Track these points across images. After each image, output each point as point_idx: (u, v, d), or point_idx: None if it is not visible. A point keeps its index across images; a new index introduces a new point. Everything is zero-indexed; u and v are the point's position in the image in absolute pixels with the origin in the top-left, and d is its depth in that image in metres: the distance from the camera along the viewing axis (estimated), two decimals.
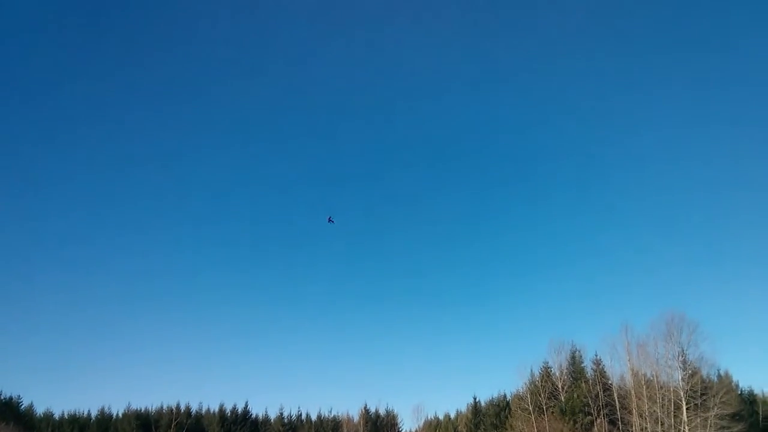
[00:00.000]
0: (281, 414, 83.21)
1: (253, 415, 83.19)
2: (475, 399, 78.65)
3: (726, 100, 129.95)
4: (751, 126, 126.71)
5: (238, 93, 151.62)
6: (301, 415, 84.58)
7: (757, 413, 64.01)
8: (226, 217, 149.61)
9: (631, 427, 55.77)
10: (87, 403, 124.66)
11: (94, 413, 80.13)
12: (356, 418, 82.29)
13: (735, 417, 52.10)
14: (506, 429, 65.27)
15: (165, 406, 79.79)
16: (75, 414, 79.73)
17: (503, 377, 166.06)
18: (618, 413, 57.22)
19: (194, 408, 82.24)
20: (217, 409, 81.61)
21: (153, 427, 72.72)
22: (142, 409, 79.73)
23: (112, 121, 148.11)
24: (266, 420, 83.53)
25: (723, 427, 51.29)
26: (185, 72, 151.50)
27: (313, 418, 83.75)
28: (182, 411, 78.60)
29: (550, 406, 61.28)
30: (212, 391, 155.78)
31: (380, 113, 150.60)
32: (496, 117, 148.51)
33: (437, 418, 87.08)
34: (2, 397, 73.11)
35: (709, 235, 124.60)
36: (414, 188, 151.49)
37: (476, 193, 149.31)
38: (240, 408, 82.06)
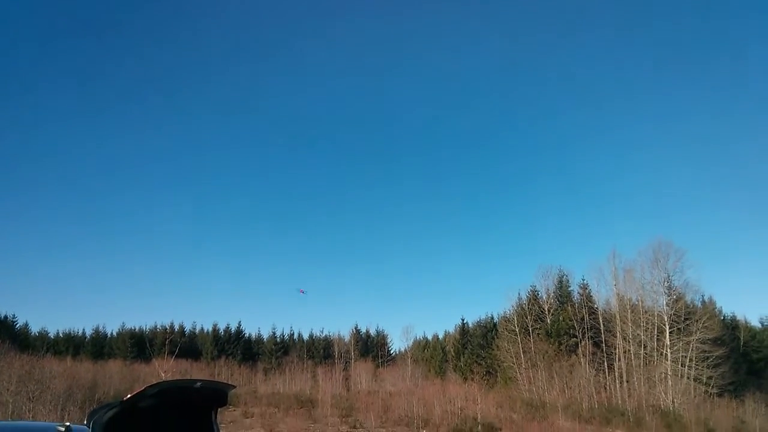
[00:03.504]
0: (274, 334, 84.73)
1: (246, 335, 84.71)
2: (463, 320, 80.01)
3: None
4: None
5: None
6: (293, 334, 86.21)
7: (739, 338, 65.17)
8: (226, 143, 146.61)
9: (615, 349, 56.74)
10: (81, 323, 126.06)
11: (89, 332, 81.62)
12: (347, 338, 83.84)
13: (717, 341, 52.93)
14: (492, 349, 66.38)
15: (159, 326, 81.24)
16: (70, 333, 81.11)
17: (491, 301, 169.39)
18: (602, 336, 58.17)
19: (188, 327, 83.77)
20: (210, 329, 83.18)
21: (148, 345, 73.86)
22: (137, 329, 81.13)
23: None
24: (259, 339, 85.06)
25: (704, 351, 52.22)
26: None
27: (305, 337, 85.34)
28: (176, 330, 80.00)
29: (536, 328, 62.10)
30: (206, 312, 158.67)
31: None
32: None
33: (426, 339, 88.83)
34: None
35: (699, 163, 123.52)
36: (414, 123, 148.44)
37: (472, 118, 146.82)
38: (233, 327, 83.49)
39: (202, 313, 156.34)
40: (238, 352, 78.84)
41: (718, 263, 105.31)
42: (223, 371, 67.31)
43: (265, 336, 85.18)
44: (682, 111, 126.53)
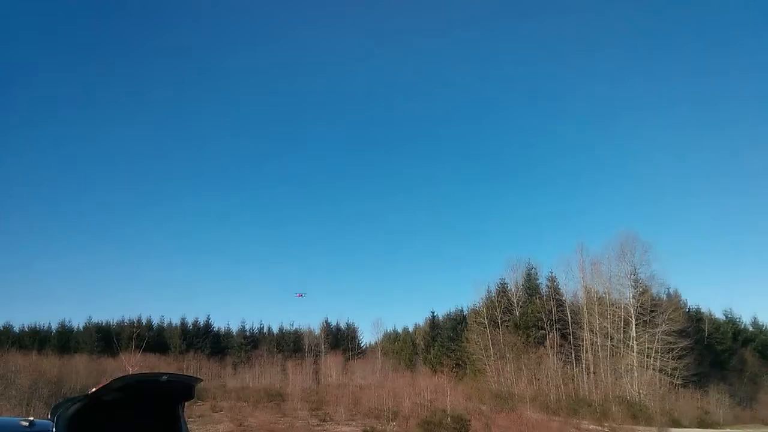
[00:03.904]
0: (243, 327, 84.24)
1: (215, 329, 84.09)
2: (432, 313, 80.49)
3: None
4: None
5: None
6: (262, 328, 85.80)
7: (703, 330, 66.46)
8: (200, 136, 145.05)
9: (582, 341, 57.51)
10: (46, 317, 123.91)
11: (54, 326, 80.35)
12: (317, 332, 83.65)
13: (681, 333, 53.93)
14: (462, 342, 66.79)
15: (126, 320, 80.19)
16: (35, 327, 79.73)
17: (461, 294, 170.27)
18: (570, 328, 58.85)
19: (155, 321, 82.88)
20: (178, 323, 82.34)
21: (114, 340, 72.86)
22: (103, 323, 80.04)
23: None
24: (228, 333, 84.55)
25: (669, 343, 53.19)
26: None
27: (275, 331, 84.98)
28: (143, 324, 79.11)
29: (505, 321, 62.61)
30: (174, 306, 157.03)
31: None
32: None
33: (396, 332, 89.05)
34: None
35: (665, 157, 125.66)
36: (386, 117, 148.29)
37: (440, 114, 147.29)
38: (202, 321, 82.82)
39: (170, 307, 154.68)
40: (207, 346, 78.26)
41: (684, 256, 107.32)
42: (191, 365, 66.67)
43: (234, 330, 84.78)
44: (649, 104, 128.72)
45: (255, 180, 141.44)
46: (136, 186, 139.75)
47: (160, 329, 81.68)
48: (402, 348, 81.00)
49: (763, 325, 75.08)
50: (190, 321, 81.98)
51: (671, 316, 54.28)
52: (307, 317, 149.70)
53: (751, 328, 74.56)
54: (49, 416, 6.31)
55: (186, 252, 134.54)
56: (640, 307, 55.05)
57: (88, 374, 51.37)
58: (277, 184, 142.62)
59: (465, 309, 74.19)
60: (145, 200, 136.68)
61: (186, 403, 8.08)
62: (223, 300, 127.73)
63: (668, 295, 62.13)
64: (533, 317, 60.65)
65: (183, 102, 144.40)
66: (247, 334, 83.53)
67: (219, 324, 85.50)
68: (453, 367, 60.56)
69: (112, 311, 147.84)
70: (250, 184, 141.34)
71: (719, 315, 73.06)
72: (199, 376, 8.13)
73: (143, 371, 35.50)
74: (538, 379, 53.96)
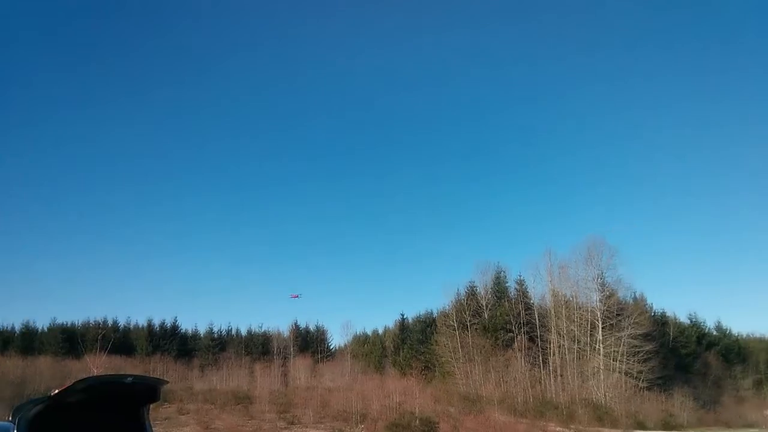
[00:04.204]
0: (210, 329, 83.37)
1: (182, 330, 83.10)
2: (402, 316, 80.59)
3: None
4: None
5: None
6: (230, 330, 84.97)
7: (668, 334, 67.49)
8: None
9: (549, 344, 58.05)
10: (9, 318, 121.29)
11: (17, 327, 78.65)
12: (286, 334, 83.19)
13: (647, 337, 54.73)
14: (431, 344, 66.97)
15: (91, 321, 78.86)
16: None
17: (430, 297, 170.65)
18: (537, 331, 59.38)
19: (121, 323, 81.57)
20: (145, 324, 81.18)
21: (79, 341, 71.66)
22: (68, 324, 78.57)
23: None
24: (195, 335, 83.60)
25: (635, 346, 53.95)
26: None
27: (243, 333, 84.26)
28: (109, 325, 77.80)
29: (474, 323, 62.88)
30: (140, 308, 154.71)
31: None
32: None
33: (365, 334, 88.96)
34: None
35: (635, 161, 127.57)
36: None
37: (410, 119, 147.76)
38: (168, 323, 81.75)
39: (136, 308, 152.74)
40: (174, 348, 77.26)
41: (650, 261, 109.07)
42: (157, 367, 65.73)
43: (202, 332, 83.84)
44: (612, 110, 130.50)
45: (224, 186, 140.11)
46: (101, 187, 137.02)
47: (126, 331, 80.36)
48: (371, 350, 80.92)
49: (726, 330, 76.74)
50: (156, 322, 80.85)
51: (637, 320, 55.08)
52: (275, 319, 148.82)
53: (714, 332, 75.94)
54: (10, 418, 6.19)
55: (154, 253, 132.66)
56: (607, 310, 55.77)
57: (52, 376, 50.46)
58: (245, 189, 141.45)
59: (435, 312, 74.35)
60: (109, 201, 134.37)
61: (151, 406, 7.99)
62: (191, 302, 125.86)
63: (634, 299, 63.13)
64: (501, 320, 61.06)
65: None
66: (215, 336, 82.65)
67: (186, 326, 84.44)
68: (422, 369, 60.71)
69: (77, 312, 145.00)
70: (219, 190, 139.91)
71: (684, 319, 74.35)
72: (164, 378, 8.01)
73: (108, 373, 35.02)
74: (506, 382, 54.32)
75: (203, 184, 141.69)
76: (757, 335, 78.34)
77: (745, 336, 77.87)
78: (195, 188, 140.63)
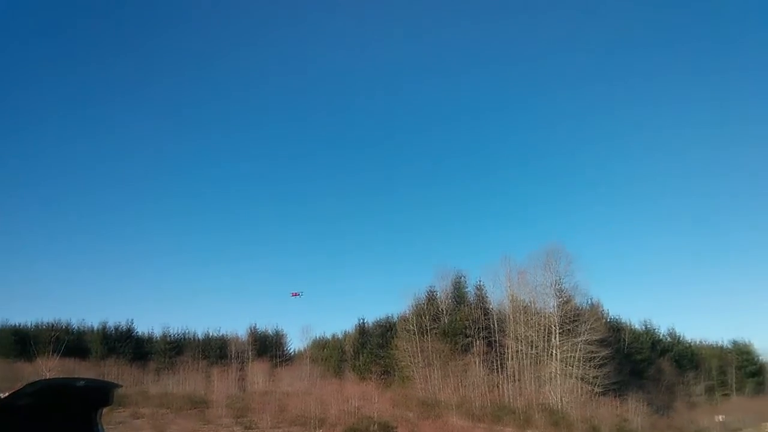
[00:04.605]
0: (166, 332, 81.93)
1: (138, 333, 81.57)
2: (362, 320, 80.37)
3: None
4: None
5: None
6: (189, 333, 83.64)
7: (623, 340, 68.61)
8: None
9: (507, 349, 58.56)
10: None
11: None
12: (244, 338, 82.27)
13: (602, 342, 55.57)
14: (391, 348, 66.94)
15: (44, 323, 76.94)
16: None
17: (390, 302, 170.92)
18: (496, 336, 59.86)
19: (75, 325, 79.73)
20: (99, 327, 79.45)
21: (31, 343, 69.94)
22: (19, 325, 76.54)
23: None
24: (151, 338, 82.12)
25: (591, 351, 54.77)
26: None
27: (200, 337, 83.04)
28: (62, 327, 76.05)
29: (434, 328, 62.97)
30: (95, 310, 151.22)
31: None
32: None
33: (325, 338, 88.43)
34: None
35: (592, 169, 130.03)
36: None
37: (371, 121, 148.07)
38: (123, 326, 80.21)
39: (90, 310, 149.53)
40: (129, 351, 75.79)
41: (606, 268, 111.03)
42: (112, 371, 64.50)
43: (158, 335, 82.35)
44: (575, 115, 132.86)
45: (179, 188, 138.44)
46: (51, 184, 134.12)
47: (80, 333, 78.59)
48: (331, 355, 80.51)
49: (679, 336, 78.32)
50: (111, 325, 79.23)
51: (593, 326, 55.90)
52: (233, 323, 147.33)
53: (668, 339, 77.45)
54: None
55: (110, 254, 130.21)
56: (563, 316, 56.52)
57: (2, 378, 49.17)
58: (205, 194, 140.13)
59: (395, 316, 74.26)
60: (62, 198, 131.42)
61: (104, 410, 7.84)
62: (148, 304, 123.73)
63: (591, 305, 63.86)
64: (460, 325, 61.34)
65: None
66: (171, 339, 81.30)
67: (142, 329, 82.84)
68: (381, 374, 60.76)
69: (29, 313, 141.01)
70: (174, 192, 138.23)
71: (638, 326, 75.66)
72: (118, 382, 7.90)
73: (60, 376, 34.26)
74: (464, 386, 54.61)
75: (158, 186, 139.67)
76: (709, 342, 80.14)
77: (697, 343, 79.59)
78: (149, 191, 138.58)
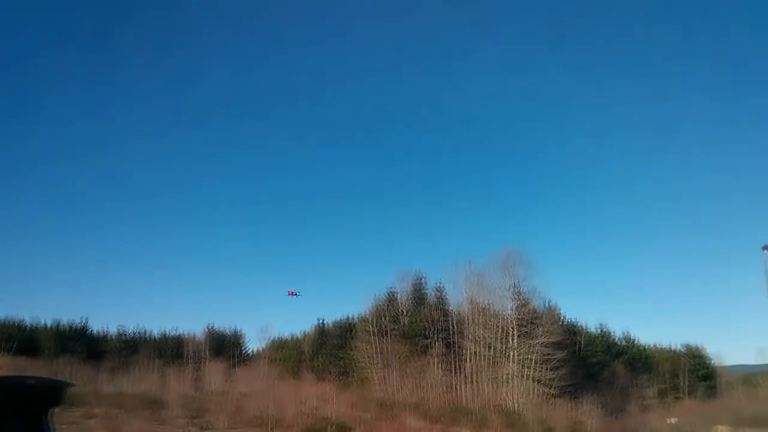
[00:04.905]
0: (121, 331, 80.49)
1: (92, 332, 79.98)
2: (321, 321, 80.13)
3: None
4: None
5: None
6: (145, 332, 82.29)
7: (579, 342, 69.66)
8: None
9: (465, 350, 59.04)
10: None
11: None
12: (201, 337, 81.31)
13: (558, 345, 56.45)
14: (350, 349, 66.87)
15: None
16: None
17: (350, 304, 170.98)
18: (454, 337, 60.28)
19: (27, 322, 77.79)
20: (52, 324, 77.69)
21: None
22: None
23: None
24: (105, 337, 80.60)
25: (547, 354, 55.56)
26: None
27: (156, 336, 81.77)
28: (14, 325, 74.16)
29: (393, 329, 63.17)
30: (48, 307, 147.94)
31: None
32: None
33: (283, 339, 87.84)
34: None
35: (549, 178, 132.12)
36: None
37: (335, 122, 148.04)
38: (78, 324, 78.58)
39: (44, 307, 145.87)
40: (82, 349, 74.22)
41: (563, 272, 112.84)
42: (64, 370, 63.11)
43: (113, 333, 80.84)
44: (532, 122, 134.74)
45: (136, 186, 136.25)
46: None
47: (32, 331, 76.73)
48: (289, 355, 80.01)
49: (633, 340, 79.71)
50: (65, 322, 77.54)
51: (549, 329, 56.75)
52: (190, 323, 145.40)
53: (623, 342, 78.78)
54: None
55: (64, 250, 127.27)
56: (521, 318, 57.25)
57: None
58: (161, 193, 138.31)
59: (355, 317, 74.21)
60: (11, 190, 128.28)
61: (56, 409, 7.69)
62: (103, 303, 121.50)
63: (548, 308, 64.72)
64: (420, 326, 61.64)
65: None
66: (126, 338, 79.89)
67: (96, 327, 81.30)
68: (340, 374, 60.69)
69: None
70: (126, 191, 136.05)
71: (594, 329, 76.82)
72: (70, 381, 7.76)
73: (9, 374, 33.42)
74: (422, 387, 54.84)
75: (114, 183, 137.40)
76: (663, 346, 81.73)
77: (651, 346, 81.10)
78: (104, 186, 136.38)
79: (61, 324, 77.21)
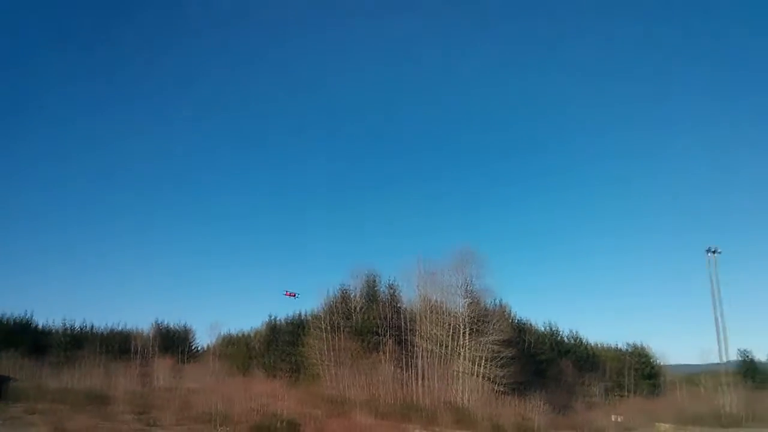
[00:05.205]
0: (66, 325, 78.60)
1: (35, 325, 78.00)
2: (272, 317, 79.51)
3: None
4: None
5: None
6: (91, 327, 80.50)
7: (528, 341, 70.85)
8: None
9: (417, 347, 59.35)
10: None
11: None
12: (148, 333, 79.97)
13: (508, 343, 57.32)
14: (301, 346, 66.58)
15: None
16: None
17: (302, 299, 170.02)
18: (406, 335, 60.51)
19: None
20: None
21: None
22: None
23: None
24: (49, 330, 78.62)
25: (496, 351, 56.30)
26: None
27: (102, 331, 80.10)
28: None
29: (346, 326, 63.07)
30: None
31: None
32: None
33: (233, 335, 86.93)
34: None
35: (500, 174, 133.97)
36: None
37: (292, 124, 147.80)
38: (21, 317, 76.59)
39: None
40: (26, 343, 72.25)
41: (514, 272, 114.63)
42: (6, 364, 61.36)
43: (58, 327, 78.88)
44: (487, 121, 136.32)
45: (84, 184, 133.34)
46: None
47: None
48: (239, 352, 79.29)
49: (580, 338, 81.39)
50: (8, 315, 75.45)
51: (499, 327, 57.53)
52: (137, 317, 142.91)
53: (570, 341, 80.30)
54: None
55: (5, 240, 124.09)
56: (472, 316, 57.88)
57: None
58: (112, 190, 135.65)
59: (307, 314, 73.91)
60: None
61: None
62: (48, 295, 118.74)
63: (499, 306, 65.64)
64: (372, 323, 61.76)
65: None
66: (72, 332, 78.04)
67: (41, 320, 79.30)
68: (290, 371, 60.38)
69: None
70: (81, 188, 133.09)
71: (542, 327, 78.25)
72: (10, 375, 7.51)
73: None
74: (373, 384, 54.92)
75: (61, 178, 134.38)
76: (608, 345, 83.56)
77: (597, 345, 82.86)
78: (51, 180, 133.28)
79: (3, 317, 75.22)
